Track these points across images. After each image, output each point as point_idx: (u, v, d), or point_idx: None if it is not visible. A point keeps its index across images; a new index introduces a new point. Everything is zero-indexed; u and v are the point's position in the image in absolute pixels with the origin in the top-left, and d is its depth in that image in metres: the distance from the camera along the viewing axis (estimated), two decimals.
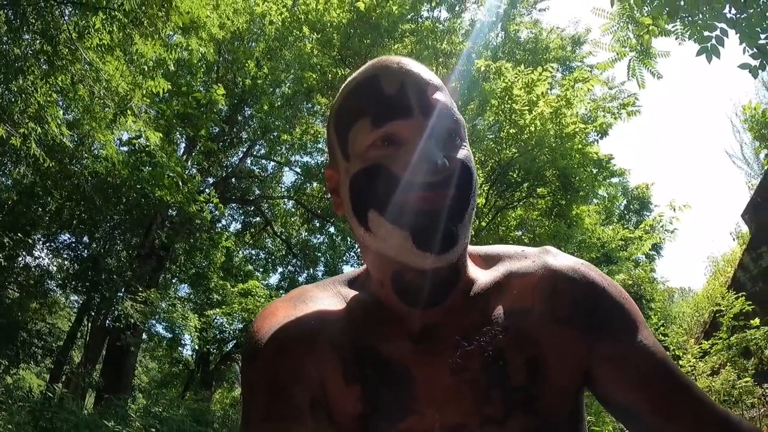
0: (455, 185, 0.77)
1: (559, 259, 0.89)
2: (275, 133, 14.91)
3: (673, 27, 4.39)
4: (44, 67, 6.10)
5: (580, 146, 9.95)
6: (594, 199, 13.03)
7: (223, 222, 16.75)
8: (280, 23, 13.10)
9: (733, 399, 6.22)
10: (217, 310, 13.08)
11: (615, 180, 15.05)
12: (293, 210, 17.72)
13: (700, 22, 4.00)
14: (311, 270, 17.02)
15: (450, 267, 0.81)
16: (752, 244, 8.59)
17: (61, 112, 7.21)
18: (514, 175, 10.81)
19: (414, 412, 0.77)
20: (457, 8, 15.54)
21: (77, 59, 6.11)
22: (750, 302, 6.69)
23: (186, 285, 16.22)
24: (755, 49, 3.94)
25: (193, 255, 14.71)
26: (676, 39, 4.36)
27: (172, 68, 8.31)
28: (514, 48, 15.43)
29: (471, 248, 0.92)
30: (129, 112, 7.03)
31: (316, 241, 17.62)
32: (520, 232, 11.70)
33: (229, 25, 9.93)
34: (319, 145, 16.17)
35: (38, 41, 5.93)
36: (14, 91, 5.74)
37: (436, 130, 0.78)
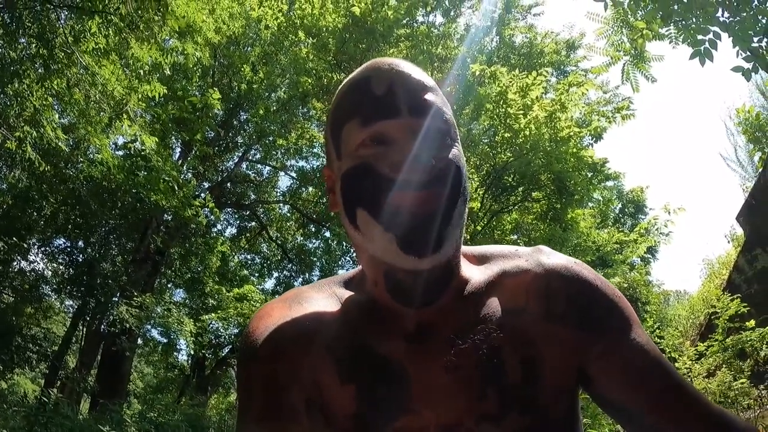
0: (442, 187, 0.78)
1: (553, 258, 0.90)
2: (271, 138, 14.91)
3: (666, 31, 4.42)
4: (40, 70, 6.09)
5: (574, 150, 9.97)
6: (589, 203, 13.03)
7: (219, 227, 16.70)
8: (275, 28, 13.09)
9: (729, 400, 6.23)
10: (213, 314, 13.00)
11: (610, 183, 15.10)
12: (289, 215, 17.69)
13: (693, 25, 4.03)
14: (307, 275, 16.98)
15: (442, 267, 0.81)
16: (747, 246, 8.61)
17: (57, 116, 7.20)
18: (510, 179, 10.82)
19: (410, 411, 0.78)
20: (452, 13, 15.57)
21: (73, 63, 6.11)
22: (745, 304, 6.70)
23: (181, 290, 16.18)
24: (748, 52, 3.97)
25: (189, 259, 14.69)
26: (670, 43, 4.39)
27: (168, 72, 8.30)
28: (509, 52, 15.47)
29: (465, 248, 0.92)
30: (125, 116, 7.02)
31: (312, 246, 17.58)
32: (515, 236, 11.70)
33: (224, 29, 9.92)
34: (315, 150, 16.14)
35: (34, 45, 5.92)
36: (10, 95, 5.73)
37: (425, 129, 0.79)
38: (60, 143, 6.67)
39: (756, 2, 3.94)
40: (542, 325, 0.82)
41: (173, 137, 12.50)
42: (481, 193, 10.47)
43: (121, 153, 10.88)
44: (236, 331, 13.43)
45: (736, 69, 4.02)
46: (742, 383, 6.17)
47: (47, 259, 11.37)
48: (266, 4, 12.98)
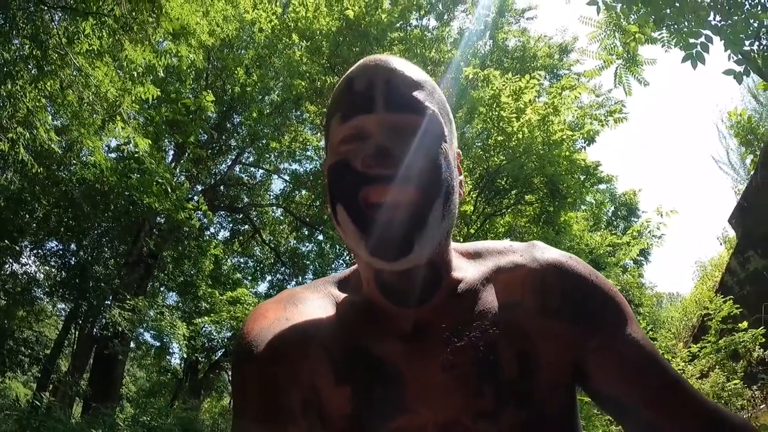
0: (416, 186, 0.76)
1: (547, 253, 0.90)
2: (264, 141, 14.88)
3: (659, 35, 4.46)
4: (33, 71, 6.06)
5: (567, 153, 10.01)
6: (582, 206, 13.08)
7: (212, 230, 16.65)
8: (269, 31, 13.11)
9: (723, 401, 6.25)
10: (206, 318, 12.98)
11: (602, 186, 15.12)
12: (282, 218, 17.65)
13: (685, 29, 4.07)
14: (300, 278, 16.93)
15: (427, 267, 0.81)
16: (739, 248, 8.66)
17: (50, 118, 7.17)
18: (503, 183, 10.85)
19: (407, 410, 0.78)
20: (445, 17, 15.62)
21: (66, 64, 6.08)
22: (738, 305, 6.74)
23: (174, 293, 16.08)
24: (740, 56, 4.01)
25: (182, 263, 14.63)
26: (662, 46, 4.43)
27: (162, 74, 8.28)
28: (502, 56, 15.52)
29: (457, 245, 0.92)
30: (118, 118, 7.00)
31: (305, 249, 17.54)
32: (508, 239, 11.73)
33: (218, 32, 9.91)
34: (308, 153, 16.13)
35: (28, 46, 5.89)
36: (3, 96, 5.70)
37: (401, 125, 0.78)
38: (53, 145, 6.64)
39: (747, 6, 3.99)
40: (537, 319, 0.83)
41: (166, 140, 12.45)
42: (474, 196, 10.49)
43: (114, 155, 10.87)
44: (229, 334, 13.40)
45: (727, 72, 4.06)
46: (735, 384, 6.20)
47: (39, 262, 11.31)
48: (260, 6, 13.01)
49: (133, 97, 7.09)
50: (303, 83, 12.93)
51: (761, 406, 6.06)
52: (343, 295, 0.91)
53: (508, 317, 0.82)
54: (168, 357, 16.45)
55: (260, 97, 14.52)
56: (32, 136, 6.20)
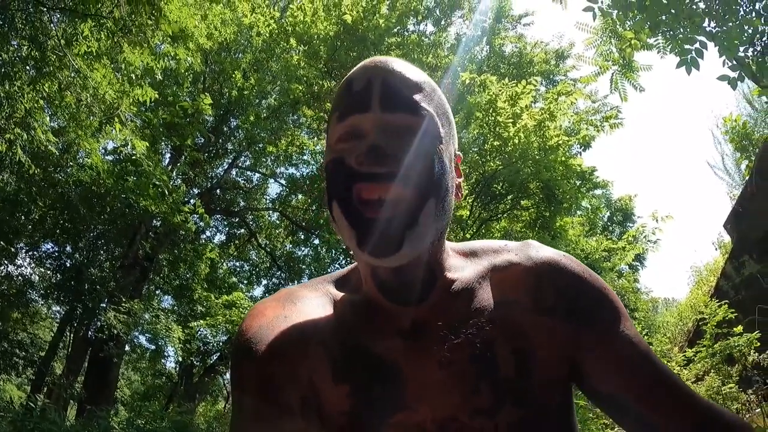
0: (408, 184, 0.77)
1: (542, 251, 0.91)
2: (261, 145, 14.86)
3: (654, 41, 4.49)
4: (31, 73, 6.05)
5: (563, 158, 10.04)
6: (577, 211, 13.13)
7: (208, 233, 16.60)
8: (267, 35, 13.11)
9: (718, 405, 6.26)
10: (201, 321, 12.89)
11: (598, 192, 15.17)
12: (278, 222, 17.59)
13: (680, 35, 4.10)
14: (295, 282, 16.88)
15: (421, 265, 0.82)
16: (734, 253, 8.67)
17: (48, 119, 7.16)
18: (499, 187, 10.87)
19: (405, 407, 0.79)
20: (442, 22, 15.70)
21: (65, 66, 6.08)
22: (733, 310, 6.73)
23: (170, 296, 16.01)
24: (734, 62, 4.04)
25: (177, 266, 14.57)
26: (658, 53, 4.46)
27: (159, 77, 8.28)
28: (498, 62, 15.56)
29: (453, 244, 0.93)
30: (116, 121, 7.00)
31: (301, 254, 17.47)
32: None
33: (216, 35, 9.92)
34: (305, 157, 16.12)
35: (26, 47, 5.89)
36: (1, 97, 5.69)
37: (395, 124, 0.79)
38: (50, 146, 6.63)
39: (742, 12, 4.02)
40: (533, 317, 0.83)
41: (163, 142, 12.44)
42: (470, 201, 10.51)
43: (111, 158, 10.86)
44: (225, 338, 13.34)
45: (722, 78, 4.09)
46: (731, 388, 6.19)
47: (35, 264, 11.28)
48: (258, 11, 13.01)
49: (131, 99, 7.08)
50: (300, 87, 12.93)
51: (756, 410, 6.06)
52: (341, 294, 0.92)
53: (504, 315, 0.83)
54: (163, 360, 16.36)
55: (257, 100, 14.53)
56: (30, 137, 6.18)
